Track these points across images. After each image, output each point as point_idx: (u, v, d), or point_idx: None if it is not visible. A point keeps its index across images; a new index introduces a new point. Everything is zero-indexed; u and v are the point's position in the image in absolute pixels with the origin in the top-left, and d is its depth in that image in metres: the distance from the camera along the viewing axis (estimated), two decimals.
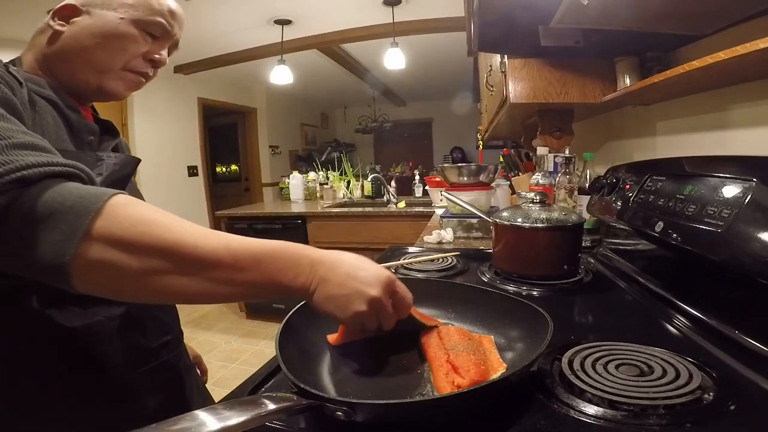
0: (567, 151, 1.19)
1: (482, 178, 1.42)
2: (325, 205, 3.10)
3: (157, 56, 0.63)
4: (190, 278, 0.38)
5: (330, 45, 3.52)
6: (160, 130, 3.87)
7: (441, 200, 2.43)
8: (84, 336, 0.53)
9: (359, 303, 0.42)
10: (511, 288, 0.81)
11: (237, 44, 3.47)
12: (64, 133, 0.56)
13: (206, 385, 0.88)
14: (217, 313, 3.40)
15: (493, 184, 1.50)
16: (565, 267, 0.82)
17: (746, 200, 0.51)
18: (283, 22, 2.99)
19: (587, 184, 1.12)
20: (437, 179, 2.46)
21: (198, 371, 0.88)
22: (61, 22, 0.58)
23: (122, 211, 0.37)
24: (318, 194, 3.62)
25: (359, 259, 0.45)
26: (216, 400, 0.61)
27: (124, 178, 0.62)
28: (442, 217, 1.47)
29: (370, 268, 0.45)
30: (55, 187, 0.37)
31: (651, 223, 0.69)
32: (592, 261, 0.99)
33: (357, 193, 3.53)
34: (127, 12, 0.59)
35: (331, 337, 0.54)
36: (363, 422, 0.37)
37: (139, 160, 0.67)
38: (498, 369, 0.46)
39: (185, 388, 0.69)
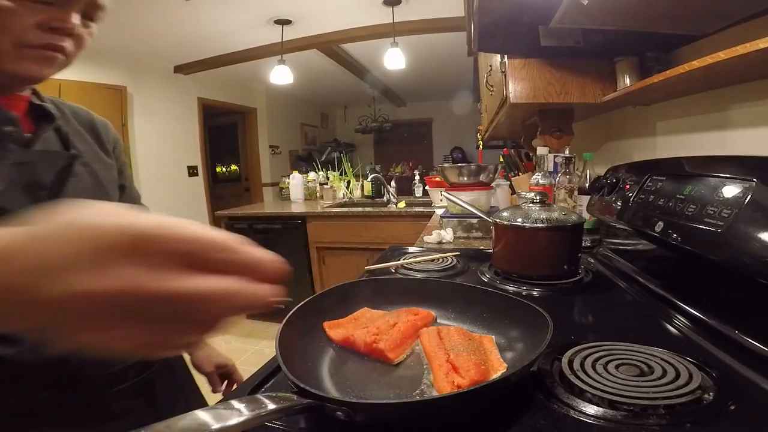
0: (567, 151, 1.19)
1: (482, 178, 1.42)
2: (325, 205, 3.09)
3: (57, 23, 0.53)
4: None
5: (330, 45, 3.52)
6: (160, 130, 3.87)
7: (441, 200, 2.43)
8: (48, 356, 0.50)
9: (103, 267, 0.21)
10: (511, 288, 0.81)
11: (237, 44, 3.47)
12: None
13: (207, 385, 0.85)
14: None
15: (493, 184, 1.50)
16: (565, 267, 0.82)
17: (746, 200, 0.51)
18: (283, 22, 2.99)
19: (587, 184, 1.12)
20: (437, 179, 2.46)
21: (217, 385, 0.84)
22: None
23: None
24: (318, 194, 3.62)
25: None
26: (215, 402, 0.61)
27: (41, 183, 0.53)
28: (442, 217, 1.47)
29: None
30: None
31: (651, 223, 0.69)
32: (592, 261, 0.99)
33: (357, 193, 3.53)
34: None
35: (333, 333, 0.54)
36: (363, 422, 0.37)
37: (71, 156, 0.58)
38: (498, 369, 0.46)
39: (169, 406, 0.66)
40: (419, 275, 0.91)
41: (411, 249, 1.20)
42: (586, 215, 1.07)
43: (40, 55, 0.53)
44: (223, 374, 0.85)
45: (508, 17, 0.94)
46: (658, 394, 0.40)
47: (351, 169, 3.75)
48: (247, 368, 0.67)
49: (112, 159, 0.70)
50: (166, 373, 0.70)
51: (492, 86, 1.76)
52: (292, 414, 0.36)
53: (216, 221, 4.12)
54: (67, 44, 0.55)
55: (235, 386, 0.85)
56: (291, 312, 0.52)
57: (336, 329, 0.55)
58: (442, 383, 0.43)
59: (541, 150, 1.23)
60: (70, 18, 0.53)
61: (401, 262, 0.99)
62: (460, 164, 1.45)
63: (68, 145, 0.62)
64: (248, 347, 2.72)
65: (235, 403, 0.32)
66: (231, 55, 3.69)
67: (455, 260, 0.98)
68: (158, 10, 2.63)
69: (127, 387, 0.61)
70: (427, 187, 2.78)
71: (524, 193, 0.91)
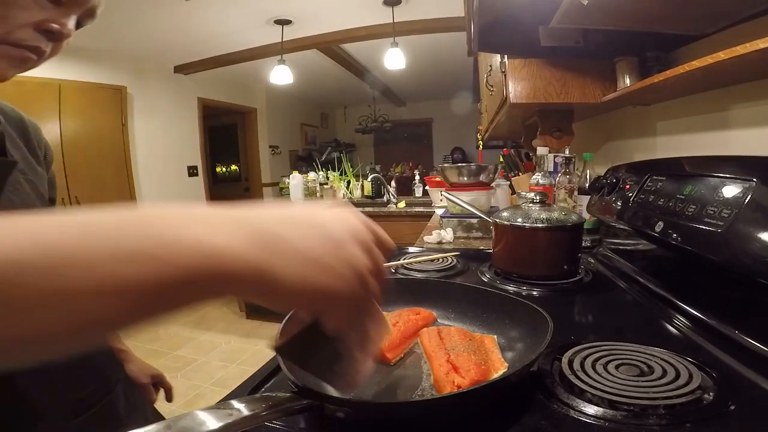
0: (567, 151, 1.19)
1: (482, 178, 1.42)
2: None
3: (56, 26, 0.45)
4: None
5: (330, 45, 3.52)
6: (160, 130, 3.88)
7: (441, 200, 2.43)
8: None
9: (349, 245, 0.26)
10: (511, 288, 0.81)
11: (237, 44, 3.47)
12: None
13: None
14: (217, 314, 3.40)
15: (493, 184, 1.50)
16: (565, 267, 0.82)
17: (746, 200, 0.51)
18: (283, 22, 2.99)
19: (587, 184, 1.12)
20: (437, 179, 2.46)
21: (153, 395, 0.81)
22: None
23: None
24: (318, 194, 3.62)
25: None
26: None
27: None
28: (442, 217, 1.47)
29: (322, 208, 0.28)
30: None
31: (651, 223, 0.69)
32: (592, 261, 0.99)
33: (357, 193, 3.54)
34: None
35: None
36: (363, 422, 0.37)
37: (10, 163, 0.51)
38: (499, 369, 0.46)
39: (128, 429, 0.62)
40: (419, 275, 0.91)
41: (411, 249, 1.20)
42: (586, 215, 1.07)
43: (17, 56, 0.45)
44: (155, 384, 0.83)
45: (508, 17, 0.94)
46: (658, 394, 0.40)
47: (351, 169, 3.76)
48: (247, 368, 0.67)
49: (42, 167, 0.60)
50: (127, 391, 0.66)
51: (492, 86, 1.76)
52: (292, 414, 0.36)
53: None
54: (49, 49, 0.48)
55: (162, 393, 0.85)
56: (291, 312, 0.52)
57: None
58: (442, 383, 0.43)
59: (541, 150, 1.23)
60: (69, 23, 0.47)
61: (401, 262, 0.99)
62: (460, 164, 1.45)
63: (4, 150, 0.53)
64: (248, 347, 2.72)
65: (235, 403, 0.32)
66: (231, 55, 3.69)
67: (455, 260, 0.98)
68: (158, 10, 2.63)
69: (91, 414, 0.57)
70: (427, 187, 2.78)
71: (524, 193, 0.91)
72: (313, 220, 0.26)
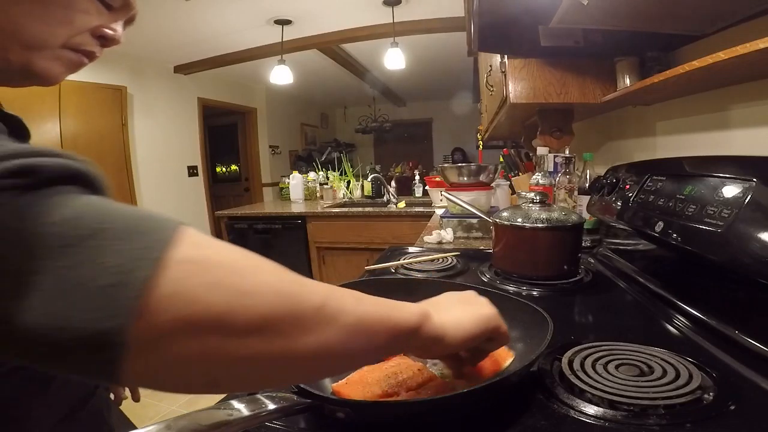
0: (567, 151, 1.19)
1: (482, 178, 1.42)
2: (325, 205, 3.09)
3: (109, 32, 0.47)
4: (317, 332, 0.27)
5: (330, 45, 3.52)
6: (160, 130, 3.87)
7: (441, 200, 2.43)
8: None
9: (486, 306, 0.42)
10: (511, 288, 0.81)
11: (237, 44, 3.47)
12: None
13: None
14: None
15: (493, 184, 1.50)
16: (565, 267, 0.82)
17: (746, 200, 0.51)
18: (283, 22, 2.99)
19: (587, 184, 1.12)
20: (437, 179, 2.46)
21: (122, 393, 0.78)
22: None
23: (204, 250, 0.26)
24: (318, 194, 3.62)
25: None
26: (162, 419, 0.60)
27: None
28: (442, 217, 1.47)
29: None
30: (81, 199, 0.25)
31: (651, 223, 0.69)
32: (592, 261, 0.99)
33: (357, 193, 3.53)
34: None
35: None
36: (363, 422, 0.37)
37: None
38: (507, 358, 0.48)
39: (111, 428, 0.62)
40: (419, 275, 0.91)
41: (411, 249, 1.20)
42: (586, 215, 1.07)
43: (76, 60, 0.47)
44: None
45: (508, 17, 0.95)
46: (658, 394, 0.40)
47: (351, 169, 3.75)
48: None
49: None
50: (103, 396, 0.64)
51: (492, 86, 1.76)
52: (292, 414, 0.36)
53: (216, 221, 4.13)
54: (99, 53, 0.49)
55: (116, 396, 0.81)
56: None
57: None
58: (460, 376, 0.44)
59: (541, 150, 1.23)
60: (119, 28, 0.49)
61: (401, 262, 0.99)
62: (460, 164, 1.45)
63: None
64: None
65: (235, 403, 0.32)
66: (231, 55, 3.69)
67: (455, 260, 0.98)
68: (158, 10, 2.63)
69: (77, 418, 0.55)
70: (427, 187, 2.78)
71: (524, 193, 0.91)
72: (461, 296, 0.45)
